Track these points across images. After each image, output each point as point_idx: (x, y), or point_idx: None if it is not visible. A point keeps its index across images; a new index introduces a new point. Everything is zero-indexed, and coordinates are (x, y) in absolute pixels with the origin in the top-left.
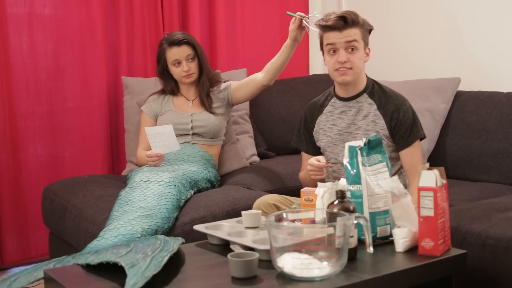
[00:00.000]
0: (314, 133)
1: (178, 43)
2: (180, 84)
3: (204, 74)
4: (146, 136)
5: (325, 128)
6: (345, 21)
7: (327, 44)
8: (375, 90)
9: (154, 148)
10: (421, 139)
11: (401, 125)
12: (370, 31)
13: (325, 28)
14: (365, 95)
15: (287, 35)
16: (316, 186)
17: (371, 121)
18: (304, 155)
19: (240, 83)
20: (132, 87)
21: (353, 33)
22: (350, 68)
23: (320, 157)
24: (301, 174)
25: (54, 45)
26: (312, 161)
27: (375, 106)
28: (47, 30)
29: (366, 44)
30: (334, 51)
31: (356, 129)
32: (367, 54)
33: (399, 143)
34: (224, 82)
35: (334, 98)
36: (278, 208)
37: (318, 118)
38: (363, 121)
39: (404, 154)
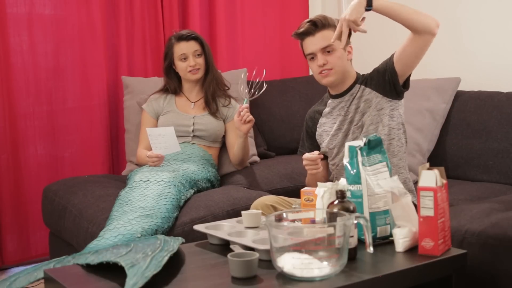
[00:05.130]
0: (317, 136)
1: (186, 38)
2: (184, 83)
3: (211, 73)
4: (146, 135)
5: (326, 128)
6: (316, 25)
7: (307, 54)
8: (363, 78)
9: (155, 149)
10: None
11: (376, 71)
12: (350, 31)
13: (300, 35)
14: (357, 86)
15: (287, 35)
16: None
17: (359, 96)
18: None
19: (233, 129)
20: (132, 87)
21: (326, 35)
22: (331, 69)
23: (314, 152)
24: (306, 180)
25: (54, 45)
26: (306, 155)
27: (363, 88)
28: (47, 30)
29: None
30: (313, 58)
31: (348, 113)
32: (349, 52)
33: (388, 67)
34: (233, 98)
35: (330, 99)
36: (275, 209)
37: (319, 121)
38: (353, 102)
39: (398, 53)
